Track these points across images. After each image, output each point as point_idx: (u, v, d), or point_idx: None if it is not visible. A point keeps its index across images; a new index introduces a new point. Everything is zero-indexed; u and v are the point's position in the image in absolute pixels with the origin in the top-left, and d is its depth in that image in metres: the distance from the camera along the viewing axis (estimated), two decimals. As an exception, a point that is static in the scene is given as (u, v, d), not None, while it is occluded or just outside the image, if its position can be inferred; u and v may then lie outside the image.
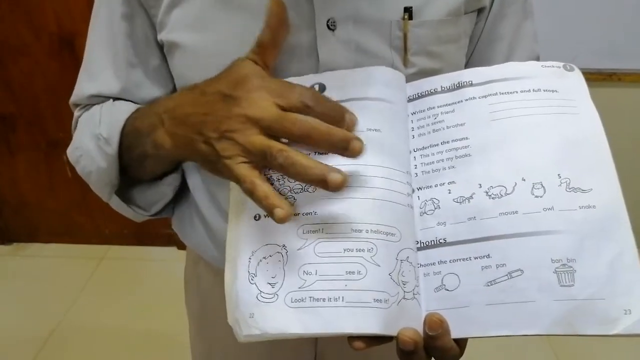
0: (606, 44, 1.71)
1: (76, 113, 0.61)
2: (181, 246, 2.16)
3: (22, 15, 1.81)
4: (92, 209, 2.14)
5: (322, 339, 0.70)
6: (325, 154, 0.43)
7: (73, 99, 0.60)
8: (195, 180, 0.61)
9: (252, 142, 0.40)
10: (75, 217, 2.17)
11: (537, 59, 0.60)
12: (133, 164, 0.54)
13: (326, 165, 0.39)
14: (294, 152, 0.39)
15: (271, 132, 0.40)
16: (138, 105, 0.56)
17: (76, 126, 0.60)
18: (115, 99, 0.57)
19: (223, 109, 0.41)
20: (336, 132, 0.40)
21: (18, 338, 1.75)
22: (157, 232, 2.17)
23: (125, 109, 0.54)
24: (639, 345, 1.64)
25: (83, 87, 0.59)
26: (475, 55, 0.59)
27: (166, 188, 0.60)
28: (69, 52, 1.86)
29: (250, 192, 0.40)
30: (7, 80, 1.93)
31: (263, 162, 0.40)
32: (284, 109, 0.40)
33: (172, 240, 2.17)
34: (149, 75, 0.57)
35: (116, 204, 0.58)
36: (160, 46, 0.56)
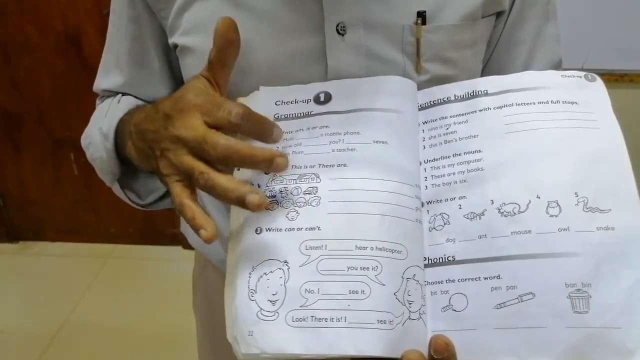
0: (618, 44, 1.69)
1: (97, 101, 0.64)
2: (186, 245, 2.16)
3: (29, 13, 1.81)
4: (98, 208, 2.14)
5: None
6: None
7: (94, 88, 0.64)
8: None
9: (181, 162, 0.40)
10: (81, 216, 2.17)
11: (559, 62, 0.58)
12: (126, 160, 0.56)
13: (246, 186, 0.39)
14: (215, 174, 0.39)
15: (197, 153, 0.40)
16: (136, 104, 0.58)
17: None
18: (125, 94, 0.60)
19: (162, 127, 0.42)
20: (258, 152, 0.39)
21: (24, 336, 1.75)
22: (163, 231, 2.16)
23: (122, 108, 0.56)
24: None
25: (98, 80, 0.62)
26: (493, 59, 0.57)
27: (160, 182, 0.61)
28: (75, 50, 1.86)
29: (180, 212, 0.40)
30: (13, 78, 1.93)
31: (189, 181, 0.40)
32: (212, 126, 0.40)
33: (178, 240, 2.17)
34: (154, 76, 0.58)
35: (116, 190, 0.60)
36: (166, 49, 0.57)
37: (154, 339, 1.73)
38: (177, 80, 0.60)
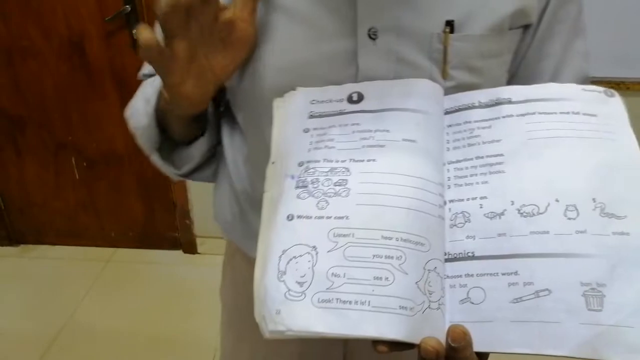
0: (614, 52, 1.70)
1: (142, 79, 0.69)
2: (187, 250, 2.17)
3: (32, 17, 1.83)
4: (99, 212, 2.15)
5: (352, 340, 0.71)
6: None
7: (138, 76, 0.68)
8: (238, 176, 0.65)
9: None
10: (82, 220, 2.18)
11: (586, 79, 0.59)
12: (166, 123, 0.59)
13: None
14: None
15: None
16: None
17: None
18: None
19: None
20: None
21: (24, 339, 1.76)
22: (163, 235, 2.17)
23: None
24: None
25: (144, 66, 0.66)
26: (521, 71, 0.58)
27: (195, 151, 0.63)
28: (79, 55, 1.87)
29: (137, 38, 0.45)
30: (16, 81, 1.94)
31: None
32: None
33: (178, 244, 2.17)
34: None
35: (155, 159, 0.63)
36: None
37: (154, 342, 1.73)
38: None
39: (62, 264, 2.12)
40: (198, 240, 2.16)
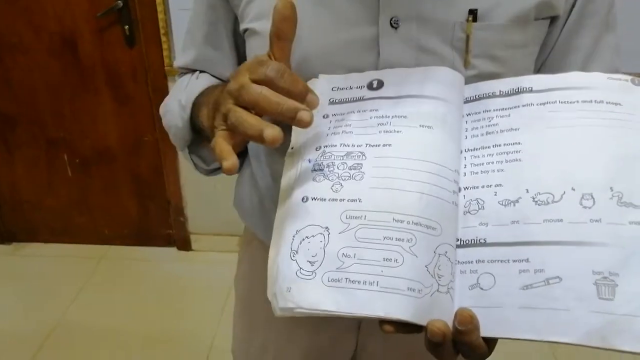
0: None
1: (176, 77, 0.71)
2: (181, 247, 2.16)
3: (22, 13, 1.81)
4: (92, 209, 2.14)
5: (364, 330, 0.72)
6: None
7: (174, 66, 0.72)
8: (259, 164, 0.67)
9: (224, 108, 0.44)
10: (75, 217, 2.16)
11: (617, 72, 0.58)
12: (200, 127, 0.61)
13: (266, 123, 0.42)
14: (244, 112, 0.43)
15: (237, 102, 0.44)
16: (216, 82, 0.65)
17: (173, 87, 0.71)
18: (202, 72, 0.67)
19: (224, 89, 0.47)
20: (284, 101, 0.43)
21: (16, 337, 1.75)
22: (157, 233, 2.16)
23: (202, 84, 0.63)
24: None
25: (178, 58, 0.70)
26: (548, 64, 0.58)
27: None
28: (70, 52, 1.86)
29: (213, 149, 0.44)
30: (7, 78, 1.92)
31: (226, 124, 0.45)
32: (255, 81, 0.44)
33: (172, 241, 2.17)
34: (225, 56, 0.66)
35: (185, 155, 0.67)
36: (235, 34, 0.65)
37: (148, 340, 1.73)
38: (241, 62, 0.66)
39: (55, 262, 2.11)
40: (192, 237, 2.15)
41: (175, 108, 0.63)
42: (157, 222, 2.15)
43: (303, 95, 0.44)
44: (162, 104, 0.67)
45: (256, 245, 0.74)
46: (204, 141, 0.64)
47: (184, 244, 2.16)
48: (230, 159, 0.43)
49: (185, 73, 0.69)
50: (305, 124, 0.43)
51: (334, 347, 0.73)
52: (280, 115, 0.43)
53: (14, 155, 2.07)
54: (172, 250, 2.17)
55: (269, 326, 0.74)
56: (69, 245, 2.19)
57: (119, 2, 1.74)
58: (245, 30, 0.59)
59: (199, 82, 0.64)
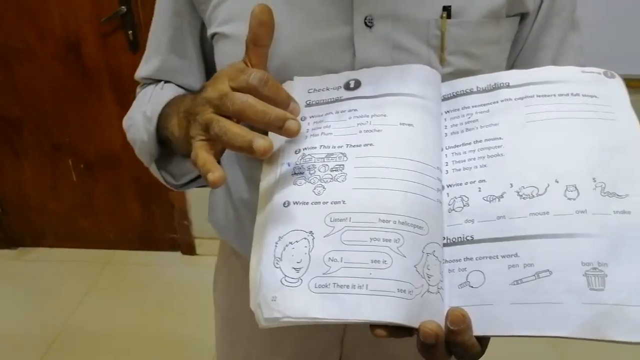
0: (614, 49, 1.69)
1: (137, 89, 0.68)
2: (185, 251, 2.16)
3: (28, 19, 1.82)
4: (97, 214, 2.14)
5: (348, 341, 0.71)
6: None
7: (135, 76, 0.68)
8: (232, 168, 0.65)
9: (204, 118, 0.43)
10: (80, 222, 2.17)
11: None
12: (166, 141, 0.59)
13: (255, 133, 0.41)
14: (228, 122, 0.41)
15: (219, 111, 0.42)
16: (181, 92, 0.62)
17: (135, 99, 0.67)
18: (167, 82, 0.64)
19: (198, 97, 0.45)
20: (271, 110, 0.42)
21: (22, 342, 1.75)
22: (162, 237, 2.16)
23: (168, 94, 0.60)
24: (648, 353, 1.62)
25: (141, 68, 0.67)
26: (519, 62, 0.59)
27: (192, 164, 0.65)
28: (74, 57, 1.86)
29: (194, 162, 0.43)
30: (12, 83, 1.93)
31: (208, 134, 0.43)
32: (236, 89, 0.42)
33: (176, 245, 2.17)
34: (191, 64, 0.64)
35: (153, 170, 0.64)
36: (202, 40, 0.62)
37: (153, 344, 1.73)
38: (209, 70, 0.65)
39: (60, 266, 2.11)
40: (196, 242, 2.15)
41: (139, 121, 0.60)
42: (162, 226, 2.15)
43: (287, 103, 0.44)
44: (125, 117, 0.63)
45: (234, 259, 0.72)
46: (172, 155, 0.61)
47: (189, 248, 2.16)
48: (217, 171, 0.41)
49: (148, 84, 0.66)
50: (293, 133, 0.42)
51: (320, 358, 0.71)
52: (267, 124, 0.42)
53: (20, 159, 2.07)
54: (177, 255, 2.17)
55: (252, 341, 0.73)
56: (74, 249, 2.19)
57: (123, 7, 1.74)
58: (214, 35, 0.57)
59: (165, 93, 0.61)
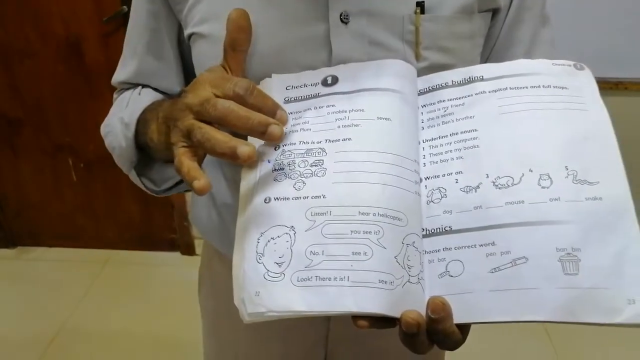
0: (613, 52, 1.70)
1: (114, 95, 0.67)
2: (185, 251, 2.16)
3: (29, 18, 1.82)
4: (96, 214, 2.15)
5: (333, 337, 0.71)
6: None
7: (112, 81, 0.67)
8: (214, 172, 0.64)
9: (185, 124, 0.43)
10: (80, 221, 2.17)
11: None
12: (145, 147, 0.58)
13: (238, 140, 0.41)
14: (211, 129, 0.41)
15: (200, 117, 0.42)
16: (159, 97, 0.61)
17: (112, 105, 0.66)
18: (144, 86, 0.63)
19: (177, 103, 0.45)
20: (254, 115, 0.42)
21: (21, 341, 1.75)
22: (161, 237, 2.17)
23: (146, 99, 0.59)
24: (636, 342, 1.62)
25: (117, 73, 0.66)
26: (493, 57, 0.60)
27: (174, 170, 0.63)
28: (76, 57, 1.87)
29: (178, 169, 0.43)
30: (13, 83, 1.94)
31: (190, 141, 0.43)
32: (219, 97, 0.42)
33: (176, 245, 2.17)
34: (169, 67, 0.63)
35: (133, 177, 0.63)
36: (179, 42, 0.61)
37: (152, 344, 1.73)
38: (187, 72, 0.64)
39: (59, 266, 2.12)
40: (196, 242, 2.16)
41: (117, 127, 0.59)
42: (161, 226, 2.15)
43: (273, 112, 0.44)
44: (103, 124, 0.63)
45: (217, 262, 0.72)
46: (152, 161, 0.61)
47: (188, 249, 2.16)
48: (202, 179, 0.41)
49: (125, 89, 0.65)
50: (276, 138, 0.43)
51: (305, 357, 0.72)
52: (249, 130, 0.42)
53: (20, 159, 2.08)
54: (176, 255, 2.17)
55: (238, 342, 0.73)
56: (74, 249, 2.20)
57: (124, 7, 1.75)
58: (190, 35, 0.57)
59: (142, 98, 0.60)
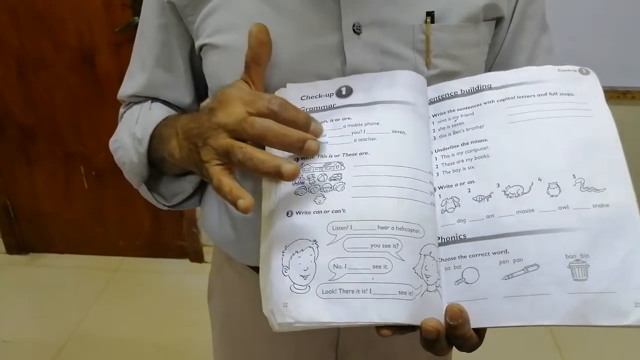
0: (620, 61, 1.70)
1: (121, 109, 0.67)
2: (193, 258, 2.18)
3: (45, 30, 1.86)
4: (107, 221, 2.17)
5: (342, 343, 0.72)
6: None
7: (118, 96, 0.67)
8: None
9: (220, 144, 0.43)
10: (91, 229, 2.19)
11: None
12: (157, 163, 0.59)
13: (281, 158, 0.42)
14: (252, 148, 0.42)
15: (236, 135, 0.43)
16: (171, 112, 0.61)
17: (120, 120, 0.66)
18: (154, 100, 0.63)
19: (206, 120, 0.46)
20: (291, 132, 0.43)
21: (32, 347, 1.76)
22: (170, 245, 2.18)
23: (158, 114, 0.60)
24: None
25: (125, 86, 0.65)
26: (497, 64, 0.62)
27: (187, 184, 0.64)
28: (89, 68, 1.90)
29: (218, 189, 0.43)
30: (27, 92, 1.97)
31: (228, 160, 0.43)
32: (253, 115, 0.43)
33: (185, 253, 2.18)
34: (179, 78, 0.63)
35: (143, 191, 0.63)
36: (190, 53, 0.61)
37: (162, 351, 1.74)
38: (197, 84, 0.65)
39: (70, 273, 2.13)
40: (205, 249, 2.17)
41: (128, 143, 0.59)
42: (171, 233, 2.16)
43: (307, 125, 0.45)
44: (112, 139, 0.63)
45: (227, 267, 0.72)
46: (161, 176, 0.61)
47: (197, 256, 2.17)
48: (247, 198, 0.41)
49: (134, 103, 0.65)
50: (313, 153, 0.44)
51: (317, 359, 0.73)
52: (288, 146, 0.43)
53: (33, 167, 2.11)
54: (185, 262, 2.18)
55: (252, 344, 0.73)
56: (84, 256, 2.21)
57: (136, 17, 1.78)
58: (202, 46, 0.57)
59: (154, 113, 0.60)
